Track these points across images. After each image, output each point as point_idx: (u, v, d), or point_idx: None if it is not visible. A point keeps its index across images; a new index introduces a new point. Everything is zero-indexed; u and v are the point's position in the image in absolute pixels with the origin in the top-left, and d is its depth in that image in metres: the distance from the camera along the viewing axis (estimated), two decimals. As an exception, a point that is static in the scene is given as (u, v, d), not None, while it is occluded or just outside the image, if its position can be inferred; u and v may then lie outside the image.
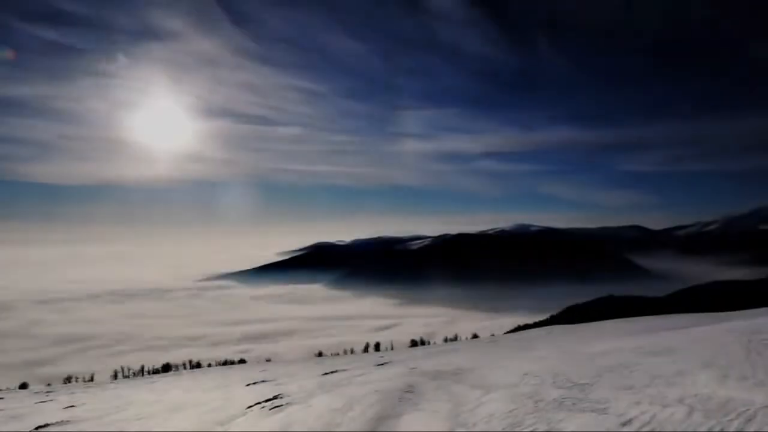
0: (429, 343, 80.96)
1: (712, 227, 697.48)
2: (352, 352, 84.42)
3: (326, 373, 27.00)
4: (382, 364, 29.21)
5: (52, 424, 21.43)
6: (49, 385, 58.54)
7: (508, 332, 78.99)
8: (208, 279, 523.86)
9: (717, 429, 7.20)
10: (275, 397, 18.99)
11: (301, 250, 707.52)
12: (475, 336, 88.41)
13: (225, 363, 75.86)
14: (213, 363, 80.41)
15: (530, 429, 8.80)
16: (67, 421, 21.81)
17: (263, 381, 28.24)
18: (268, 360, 67.66)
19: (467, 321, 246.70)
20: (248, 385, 27.35)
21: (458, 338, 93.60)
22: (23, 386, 61.60)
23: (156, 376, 55.37)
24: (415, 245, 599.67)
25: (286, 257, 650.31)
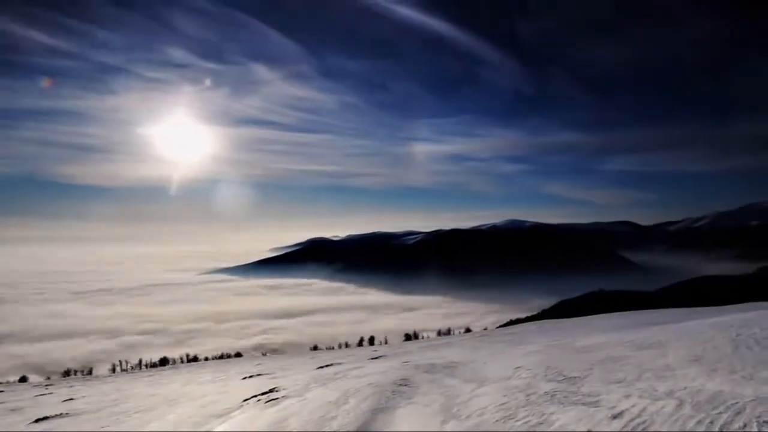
0: (422, 337, 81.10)
1: (701, 223, 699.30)
2: (346, 345, 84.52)
3: (321, 367, 27.00)
4: (376, 358, 29.23)
5: (51, 416, 21.45)
6: (48, 378, 58.57)
7: (500, 326, 79.13)
8: (208, 273, 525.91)
9: (706, 422, 7.20)
10: (271, 391, 18.97)
11: (297, 245, 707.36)
12: (467, 330, 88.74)
13: (221, 357, 75.94)
14: (209, 357, 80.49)
15: (522, 422, 8.80)
16: (66, 414, 21.85)
17: (259, 375, 28.23)
18: (264, 354, 67.67)
19: (460, 315, 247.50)
20: (244, 378, 27.34)
21: (451, 332, 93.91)
22: (23, 379, 61.63)
23: (154, 370, 55.35)
24: (409, 241, 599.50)
25: (283, 252, 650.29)
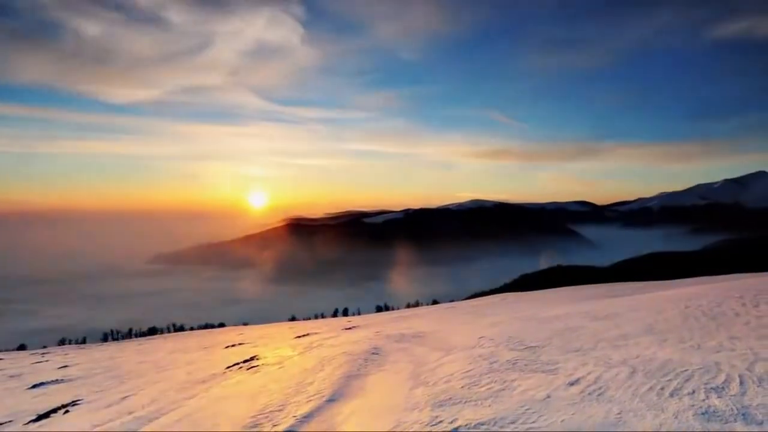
0: (393, 309, 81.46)
1: (652, 203, 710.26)
2: (322, 316, 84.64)
3: (299, 336, 26.94)
4: (349, 328, 29.17)
5: (47, 382, 21.61)
6: (45, 347, 58.22)
7: (465, 299, 79.79)
8: (185, 252, 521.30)
9: (657, 388, 7.25)
10: (252, 359, 18.93)
11: (275, 223, 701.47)
12: (435, 302, 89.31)
13: (205, 327, 75.65)
14: (194, 327, 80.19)
15: (486, 387, 8.78)
16: (61, 380, 22.01)
17: (241, 344, 28.08)
18: (246, 324, 67.53)
19: (428, 288, 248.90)
20: (227, 347, 27.20)
21: (419, 304, 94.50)
22: (21, 347, 61.06)
23: (143, 339, 54.98)
24: (381, 218, 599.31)
25: (260, 230, 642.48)
